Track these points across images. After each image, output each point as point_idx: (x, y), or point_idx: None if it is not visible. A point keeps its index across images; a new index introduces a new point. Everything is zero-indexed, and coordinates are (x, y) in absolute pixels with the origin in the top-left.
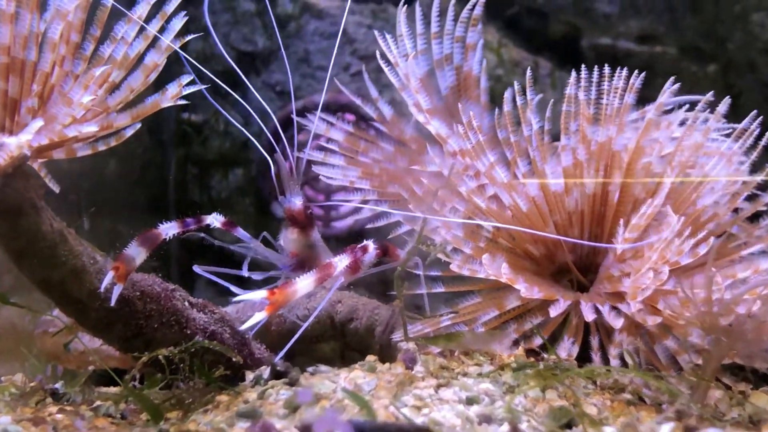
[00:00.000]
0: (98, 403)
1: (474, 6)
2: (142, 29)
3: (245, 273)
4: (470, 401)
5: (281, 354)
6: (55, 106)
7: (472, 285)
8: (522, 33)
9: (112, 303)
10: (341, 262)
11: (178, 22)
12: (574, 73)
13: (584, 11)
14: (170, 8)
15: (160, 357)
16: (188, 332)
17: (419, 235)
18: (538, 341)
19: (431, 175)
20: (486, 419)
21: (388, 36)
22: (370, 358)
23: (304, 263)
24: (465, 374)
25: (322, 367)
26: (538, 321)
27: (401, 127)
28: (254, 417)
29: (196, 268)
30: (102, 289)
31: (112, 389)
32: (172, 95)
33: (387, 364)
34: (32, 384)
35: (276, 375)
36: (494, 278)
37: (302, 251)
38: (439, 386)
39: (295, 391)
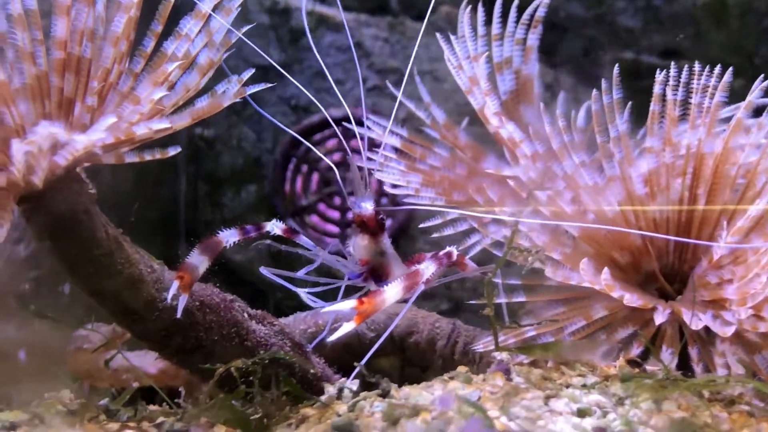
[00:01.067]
0: (161, 419)
1: (537, 7)
2: (205, 25)
3: (311, 278)
4: (582, 413)
5: (361, 363)
6: (118, 105)
7: (554, 294)
8: (541, 47)
9: (178, 314)
10: (428, 269)
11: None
12: (661, 72)
13: (606, 25)
14: (233, 3)
15: (234, 371)
16: (249, 345)
17: (510, 240)
18: (635, 351)
19: (495, 182)
20: None
21: (452, 37)
22: (461, 369)
23: (374, 271)
24: (569, 385)
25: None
26: (629, 331)
27: (455, 132)
28: (352, 430)
29: (264, 270)
30: (168, 300)
31: (155, 408)
32: (234, 93)
33: (481, 376)
34: (80, 401)
35: (369, 386)
36: (578, 286)
37: (373, 259)
38: (547, 397)
39: (436, 397)
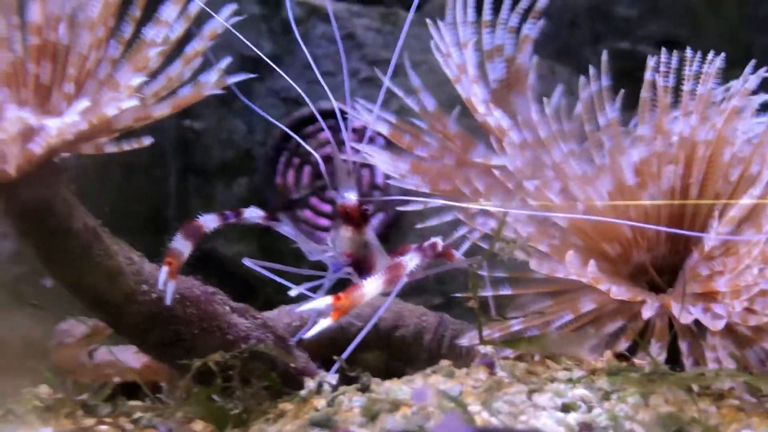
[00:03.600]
0: (139, 414)
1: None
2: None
3: (299, 271)
4: (567, 408)
5: (339, 361)
6: (95, 92)
7: (542, 287)
8: (537, 37)
9: (168, 301)
10: (411, 261)
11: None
12: (651, 59)
13: (602, 15)
14: None
15: (212, 365)
16: (230, 338)
17: (498, 231)
18: (623, 345)
19: (483, 172)
20: (587, 427)
21: (441, 24)
22: (444, 363)
23: (358, 264)
24: (554, 379)
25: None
26: (618, 324)
27: (444, 122)
28: (330, 425)
29: (246, 261)
30: (160, 286)
31: (137, 402)
32: (215, 83)
33: (464, 370)
34: (57, 396)
35: (348, 380)
36: (566, 279)
37: (357, 251)
38: (531, 392)
39: (412, 390)
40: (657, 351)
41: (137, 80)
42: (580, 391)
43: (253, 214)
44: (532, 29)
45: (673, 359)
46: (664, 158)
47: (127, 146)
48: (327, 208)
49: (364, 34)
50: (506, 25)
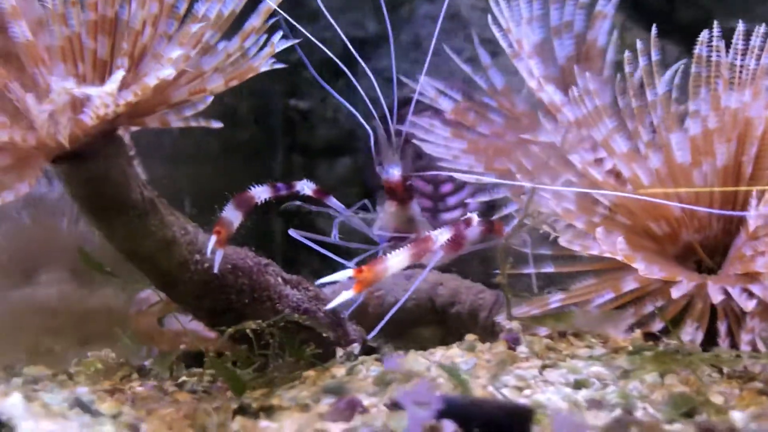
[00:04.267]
0: (184, 378)
1: None
2: None
3: (344, 243)
4: (579, 384)
5: (374, 332)
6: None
7: (585, 265)
8: (647, 16)
9: (215, 269)
10: (441, 235)
11: None
12: (705, 32)
13: None
14: None
15: (249, 333)
16: (280, 308)
17: (527, 206)
18: (657, 325)
19: (543, 147)
20: (596, 404)
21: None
22: (470, 337)
23: (403, 239)
24: (574, 356)
25: None
26: (658, 304)
27: (512, 99)
28: (341, 392)
29: (292, 232)
30: (208, 253)
31: (198, 370)
32: (265, 55)
33: (488, 344)
34: (121, 360)
35: (367, 351)
36: (610, 257)
37: (401, 226)
38: (544, 367)
39: (383, 363)
40: (692, 332)
41: (177, 52)
42: (596, 369)
43: (306, 186)
44: (606, 5)
45: (712, 341)
46: (719, 135)
47: (194, 123)
48: (427, 188)
49: (468, 13)
50: (576, 0)
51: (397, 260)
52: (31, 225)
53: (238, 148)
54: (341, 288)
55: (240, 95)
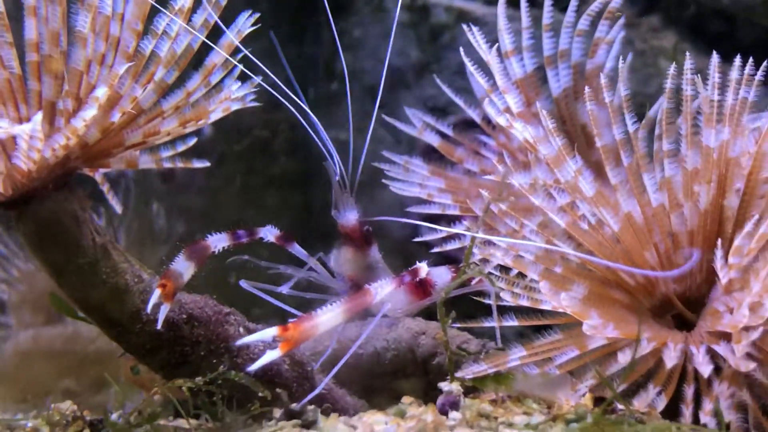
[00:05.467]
0: None
1: None
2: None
3: (296, 293)
4: None
5: (316, 391)
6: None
7: (550, 319)
8: (706, 39)
9: (159, 326)
10: (382, 288)
11: (243, 19)
12: (673, 65)
13: None
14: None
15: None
16: (239, 361)
17: (467, 254)
18: (619, 388)
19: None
20: None
21: (475, 29)
22: (406, 400)
23: (361, 288)
24: (510, 425)
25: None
26: (622, 366)
27: (507, 133)
28: None
29: (243, 283)
30: (148, 310)
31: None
32: (221, 98)
33: (422, 408)
34: (76, 414)
35: (290, 415)
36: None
37: (359, 274)
38: None
39: None
40: (653, 397)
41: (102, 91)
42: None
43: (268, 233)
44: (605, 31)
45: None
46: (696, 177)
47: (168, 163)
48: None
49: (515, 38)
50: (572, 28)
51: (328, 316)
52: None
53: (272, 182)
54: (322, 337)
55: (274, 127)
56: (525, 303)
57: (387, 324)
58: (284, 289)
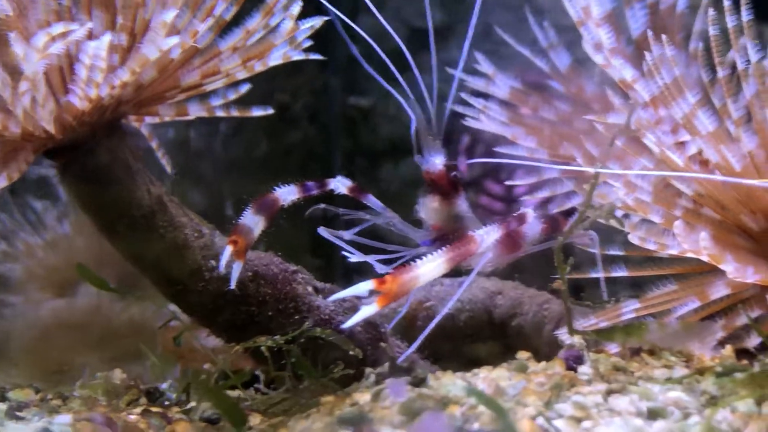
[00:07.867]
0: (193, 404)
1: None
2: None
3: (380, 245)
4: (653, 414)
5: (410, 350)
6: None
7: (665, 268)
8: None
9: (232, 285)
10: (488, 235)
11: None
12: None
13: None
14: None
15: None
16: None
17: (588, 196)
18: (753, 341)
19: (611, 130)
20: None
21: None
22: (522, 355)
23: (448, 239)
24: (649, 378)
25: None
26: (754, 315)
27: (580, 82)
28: (360, 423)
29: (322, 230)
30: (221, 269)
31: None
32: (285, 31)
33: (543, 363)
34: (131, 383)
35: (398, 372)
36: (694, 258)
37: (446, 224)
38: (609, 392)
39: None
40: None
41: (171, 14)
42: (675, 394)
43: (340, 184)
44: None
45: None
46: None
47: (221, 111)
48: (499, 189)
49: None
50: None
51: (429, 267)
52: (73, 235)
53: (292, 150)
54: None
55: (294, 92)
56: (651, 246)
57: (461, 282)
58: (348, 235)
